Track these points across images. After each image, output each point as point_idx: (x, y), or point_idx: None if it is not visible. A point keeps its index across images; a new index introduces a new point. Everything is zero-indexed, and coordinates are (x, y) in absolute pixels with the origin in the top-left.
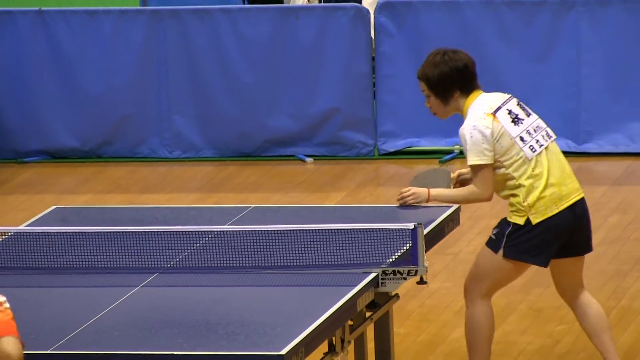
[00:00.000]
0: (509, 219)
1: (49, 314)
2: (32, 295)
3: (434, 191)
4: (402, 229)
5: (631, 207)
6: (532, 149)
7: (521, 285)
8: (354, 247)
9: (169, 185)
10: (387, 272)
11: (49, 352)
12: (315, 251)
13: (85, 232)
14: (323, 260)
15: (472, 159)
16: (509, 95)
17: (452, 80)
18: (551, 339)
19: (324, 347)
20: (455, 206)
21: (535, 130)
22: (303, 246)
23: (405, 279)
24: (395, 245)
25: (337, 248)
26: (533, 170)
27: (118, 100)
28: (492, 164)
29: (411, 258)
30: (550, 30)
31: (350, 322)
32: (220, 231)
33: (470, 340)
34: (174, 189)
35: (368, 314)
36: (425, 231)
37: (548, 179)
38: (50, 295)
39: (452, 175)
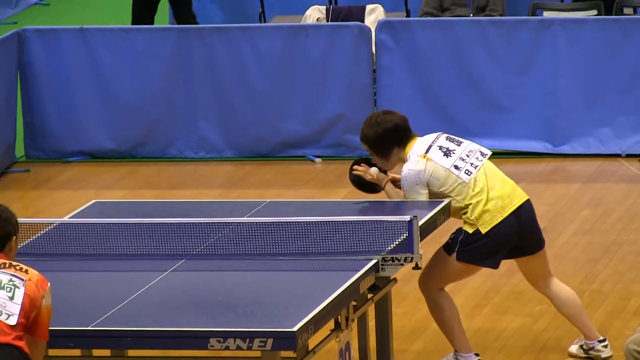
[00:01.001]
0: (462, 227)
1: (89, 295)
2: (74, 278)
3: (389, 187)
4: (399, 221)
5: (601, 202)
6: (467, 173)
7: (504, 271)
8: (357, 237)
9: (194, 182)
10: (386, 258)
11: (88, 328)
12: (323, 240)
13: (120, 223)
14: (330, 248)
15: (409, 197)
16: (438, 133)
17: (387, 139)
18: (530, 318)
19: (330, 324)
20: (446, 201)
21: (468, 155)
22: (312, 236)
23: (402, 264)
24: (393, 235)
25: (342, 237)
26: (473, 191)
27: (150, 107)
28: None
29: (407, 246)
30: (530, 46)
31: (353, 303)
32: (239, 222)
33: (442, 325)
34: (199, 186)
35: (369, 295)
36: (420, 223)
37: (489, 193)
38: (90, 279)
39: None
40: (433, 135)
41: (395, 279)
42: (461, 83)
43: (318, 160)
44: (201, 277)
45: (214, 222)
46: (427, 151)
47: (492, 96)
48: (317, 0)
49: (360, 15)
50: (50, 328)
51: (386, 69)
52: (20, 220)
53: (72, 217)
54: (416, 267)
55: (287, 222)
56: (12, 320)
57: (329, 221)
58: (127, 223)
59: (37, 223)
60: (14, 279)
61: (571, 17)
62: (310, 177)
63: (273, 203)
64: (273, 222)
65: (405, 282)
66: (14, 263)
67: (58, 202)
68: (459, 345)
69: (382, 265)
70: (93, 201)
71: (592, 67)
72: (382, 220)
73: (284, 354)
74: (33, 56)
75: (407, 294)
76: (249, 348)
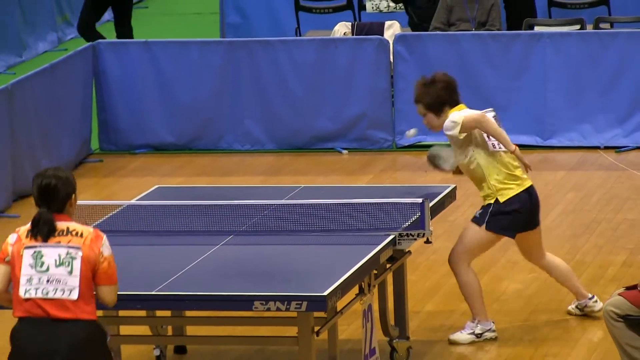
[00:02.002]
0: (489, 201)
1: (153, 265)
2: (140, 251)
3: (511, 148)
4: (413, 203)
5: (583, 187)
6: (500, 147)
7: (501, 245)
8: (377, 216)
9: (241, 170)
10: (402, 234)
11: (153, 292)
12: (349, 219)
13: (179, 205)
14: (354, 225)
15: (455, 123)
16: (487, 109)
17: (441, 97)
18: (523, 285)
19: (355, 289)
20: (452, 186)
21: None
22: (339, 215)
23: (415, 239)
24: (408, 215)
25: (365, 217)
26: (499, 163)
27: (203, 107)
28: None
29: (420, 224)
30: (523, 56)
31: (374, 272)
32: (278, 204)
33: (469, 296)
34: (245, 173)
35: (388, 265)
36: (430, 204)
37: (509, 171)
38: (153, 251)
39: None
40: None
41: (409, 252)
42: (465, 86)
43: (345, 151)
44: (247, 250)
45: (257, 204)
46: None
47: (491, 97)
48: (343, 17)
49: (380, 30)
50: (120, 292)
51: (402, 75)
52: (95, 202)
53: (138, 200)
54: (427, 242)
55: (318, 203)
56: (74, 295)
57: (353, 203)
58: (184, 205)
59: (109, 205)
60: (70, 251)
61: (558, 30)
62: (338, 166)
63: (307, 188)
64: (307, 204)
65: (418, 254)
66: (71, 228)
67: (126, 187)
68: (482, 315)
69: (398, 240)
70: (156, 187)
71: (575, 73)
72: (399, 202)
73: (316, 314)
74: (105, 65)
75: (420, 264)
76: (287, 309)
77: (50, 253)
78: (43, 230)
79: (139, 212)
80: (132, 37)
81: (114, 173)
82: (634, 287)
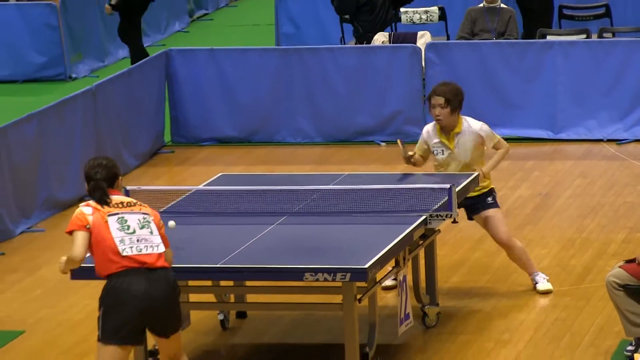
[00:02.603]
0: (486, 189)
1: (217, 241)
2: (206, 230)
3: (485, 169)
4: (442, 188)
5: (588, 175)
6: None
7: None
8: (412, 199)
9: (294, 160)
10: (432, 215)
11: (218, 265)
12: (386, 202)
13: (240, 190)
14: (391, 207)
15: (495, 136)
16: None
17: (461, 100)
18: (489, 257)
19: (392, 263)
20: (475, 173)
21: None
22: (378, 199)
23: (444, 219)
24: (437, 198)
25: (401, 200)
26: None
27: (261, 105)
28: None
29: (448, 206)
30: (537, 61)
31: (409, 247)
32: (326, 189)
33: (527, 259)
34: (297, 163)
35: (420, 242)
36: (457, 189)
37: None
38: (217, 230)
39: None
40: None
41: (439, 230)
42: (485, 87)
43: (383, 144)
44: (298, 229)
45: (307, 189)
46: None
47: (509, 97)
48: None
49: (413, 39)
50: (189, 265)
51: (432, 78)
52: (168, 188)
53: (204, 186)
54: (454, 222)
55: (360, 189)
56: (161, 248)
57: (390, 188)
58: (244, 190)
59: (180, 190)
60: (145, 216)
61: (566, 39)
62: (377, 157)
63: (349, 175)
64: (350, 189)
65: (446, 233)
66: (134, 201)
67: (194, 175)
68: (533, 269)
69: (429, 220)
70: (220, 174)
71: (581, 76)
72: (430, 188)
73: (358, 284)
74: (176, 69)
75: (447, 241)
76: (333, 280)
77: (132, 218)
78: (101, 197)
79: (205, 196)
80: (137, 46)
81: (183, 162)
82: (633, 260)
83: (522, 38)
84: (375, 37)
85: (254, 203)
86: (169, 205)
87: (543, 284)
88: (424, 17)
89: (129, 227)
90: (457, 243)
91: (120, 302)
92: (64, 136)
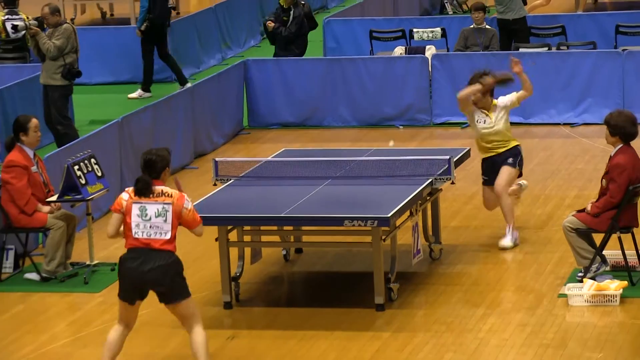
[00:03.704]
0: (512, 148)
1: (281, 198)
2: (273, 190)
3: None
4: (443, 158)
5: (550, 148)
6: None
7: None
8: (421, 167)
9: (336, 138)
10: (436, 178)
11: (281, 215)
12: (403, 169)
13: (298, 160)
14: (407, 172)
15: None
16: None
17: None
18: (478, 222)
19: (407, 213)
20: (467, 148)
21: None
22: (398, 166)
23: (444, 181)
24: (440, 166)
25: (414, 167)
26: None
27: (312, 99)
28: None
29: (448, 172)
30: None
31: (419, 202)
32: (360, 159)
33: (506, 208)
34: (338, 140)
35: (427, 197)
36: (454, 160)
37: None
38: (282, 190)
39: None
40: None
41: (441, 189)
42: None
43: (401, 127)
44: (339, 189)
45: (346, 159)
46: None
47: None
48: (400, 43)
49: (422, 51)
50: (259, 215)
51: (436, 79)
52: (245, 159)
53: (272, 158)
54: (452, 183)
55: (384, 159)
56: (168, 235)
57: (406, 159)
58: (301, 160)
59: (254, 161)
60: (165, 206)
61: (534, 50)
62: (398, 136)
63: (377, 150)
64: (377, 160)
65: (446, 191)
66: (164, 191)
67: (265, 150)
68: (510, 222)
69: (434, 182)
70: (283, 149)
71: (545, 77)
72: (434, 158)
73: (383, 228)
74: (252, 74)
75: (448, 197)
76: (365, 225)
77: (151, 208)
78: (142, 189)
79: (273, 165)
80: (173, 64)
81: (257, 141)
82: (582, 210)
83: (501, 49)
84: (395, 49)
85: (307, 170)
86: (247, 171)
87: (504, 241)
88: (430, 35)
89: (146, 214)
90: (454, 198)
91: (122, 272)
92: (170, 122)
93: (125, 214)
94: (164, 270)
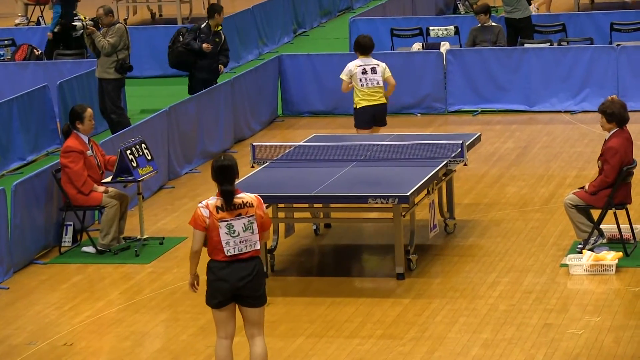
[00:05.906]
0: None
1: (312, 177)
2: (305, 171)
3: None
4: (457, 142)
5: (552, 133)
6: None
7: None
8: (437, 150)
9: None
10: (451, 160)
11: (312, 193)
12: (421, 151)
13: (327, 145)
14: (424, 155)
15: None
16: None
17: None
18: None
19: (424, 192)
20: (478, 133)
21: None
22: (416, 149)
23: (458, 163)
24: (454, 149)
25: (431, 150)
26: None
27: (339, 90)
28: None
29: (461, 154)
30: (518, 60)
31: (435, 181)
32: (382, 143)
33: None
34: None
35: (443, 177)
36: (467, 143)
37: None
38: (312, 171)
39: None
40: None
41: (455, 170)
42: (485, 77)
43: (419, 114)
44: (364, 170)
45: (370, 144)
46: None
47: (500, 83)
48: (418, 39)
49: (438, 47)
50: (292, 194)
51: (450, 72)
52: (280, 143)
53: (304, 142)
54: (465, 164)
55: (404, 143)
56: (257, 246)
57: (424, 143)
58: (329, 144)
59: (288, 145)
60: (250, 219)
61: (537, 46)
62: (415, 123)
63: (398, 135)
64: (397, 144)
65: (460, 172)
66: (245, 200)
67: (298, 135)
68: None
69: (449, 163)
70: (313, 135)
71: (548, 69)
72: (449, 142)
73: (403, 205)
74: (286, 67)
75: (461, 177)
76: (387, 202)
77: (238, 224)
78: (230, 201)
79: (305, 148)
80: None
81: (290, 127)
82: (581, 188)
83: (508, 45)
84: (414, 45)
85: (335, 153)
86: (281, 154)
87: None
88: (445, 32)
89: (234, 231)
90: (467, 178)
91: (213, 280)
92: (213, 111)
93: (210, 230)
94: (258, 277)
